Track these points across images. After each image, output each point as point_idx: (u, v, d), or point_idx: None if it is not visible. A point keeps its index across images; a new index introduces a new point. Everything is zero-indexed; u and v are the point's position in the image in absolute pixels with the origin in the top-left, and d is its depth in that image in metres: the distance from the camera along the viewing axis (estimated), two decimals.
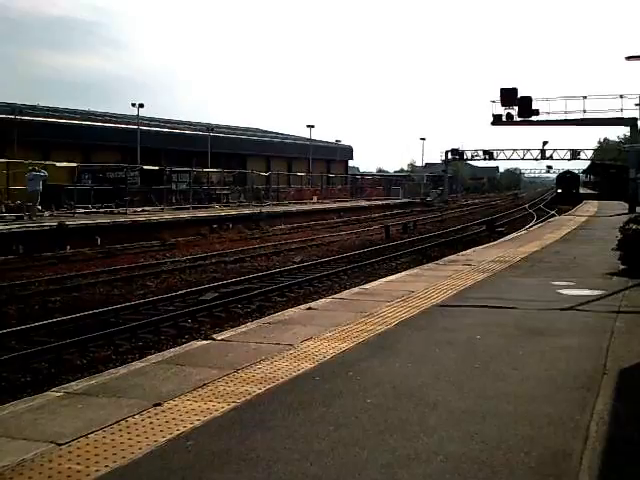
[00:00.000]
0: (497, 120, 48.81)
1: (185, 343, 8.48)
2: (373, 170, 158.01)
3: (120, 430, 5.15)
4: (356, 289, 12.34)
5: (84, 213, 38.34)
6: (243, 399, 5.94)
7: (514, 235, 27.97)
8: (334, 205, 63.30)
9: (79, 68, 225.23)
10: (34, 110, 63.65)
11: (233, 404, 5.80)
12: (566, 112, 48.95)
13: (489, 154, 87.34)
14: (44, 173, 36.23)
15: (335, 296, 11.55)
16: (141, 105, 59.63)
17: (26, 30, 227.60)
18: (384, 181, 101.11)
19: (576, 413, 5.68)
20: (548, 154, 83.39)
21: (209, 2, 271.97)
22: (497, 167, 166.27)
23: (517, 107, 47.69)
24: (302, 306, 10.55)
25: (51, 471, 4.43)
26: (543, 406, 5.86)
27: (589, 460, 4.75)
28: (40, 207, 35.64)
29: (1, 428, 5.26)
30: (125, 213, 40.04)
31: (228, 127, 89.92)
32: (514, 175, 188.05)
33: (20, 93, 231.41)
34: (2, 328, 14.50)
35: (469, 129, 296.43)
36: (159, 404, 5.74)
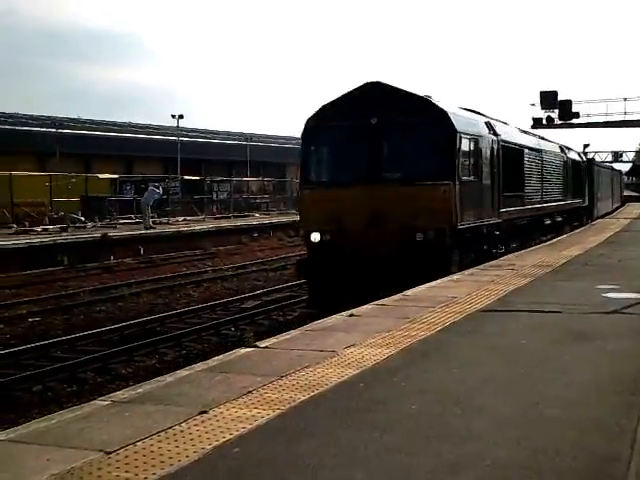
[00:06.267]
0: (537, 123, 48.51)
1: (229, 351, 8.51)
2: None
3: (167, 438, 5.18)
4: (398, 295, 12.30)
5: (126, 223, 38.70)
6: (288, 406, 5.95)
7: (556, 239, 27.71)
8: None
9: (114, 80, 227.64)
10: (75, 123, 64.47)
11: (278, 411, 5.81)
12: (607, 114, 48.55)
13: None
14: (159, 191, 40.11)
15: (377, 302, 11.51)
16: (181, 116, 60.15)
17: (63, 43, 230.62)
18: None
19: (622, 417, 5.61)
20: (590, 156, 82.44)
21: (244, 11, 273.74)
22: None
23: (557, 110, 47.34)
24: (344, 313, 10.53)
25: (100, 479, 4.47)
26: (589, 410, 5.80)
27: (637, 464, 4.69)
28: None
29: (49, 437, 5.31)
30: (167, 223, 40.39)
31: (267, 136, 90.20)
32: None
33: (60, 106, 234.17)
34: (48, 338, 14.70)
35: None
36: (205, 412, 5.77)
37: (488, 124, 19.48)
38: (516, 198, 22.31)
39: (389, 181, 16.33)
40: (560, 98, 47.56)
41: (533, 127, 48.76)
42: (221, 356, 7.96)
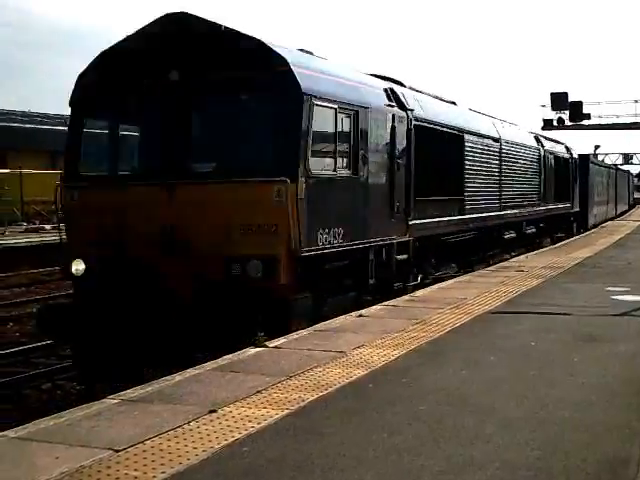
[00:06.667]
0: (548, 124, 48.42)
1: (238, 350, 8.51)
2: None
3: (176, 436, 5.19)
4: (407, 296, 12.29)
5: None
6: (297, 406, 5.95)
7: (566, 241, 27.64)
8: None
9: None
10: None
11: (287, 411, 5.81)
12: (617, 116, 48.47)
13: None
14: None
15: (386, 303, 11.50)
16: None
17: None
18: None
19: (632, 419, 5.60)
20: (600, 158, 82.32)
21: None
22: None
23: (568, 111, 47.29)
24: (353, 313, 10.52)
25: (109, 477, 4.47)
26: (599, 412, 5.79)
27: None
28: None
29: (59, 435, 5.32)
30: None
31: None
32: None
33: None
34: None
35: None
36: (214, 411, 5.78)
37: (389, 91, 13.07)
38: (447, 204, 15.93)
39: (196, 176, 10.44)
40: (571, 99, 47.50)
41: (544, 128, 48.73)
42: (231, 355, 7.95)
